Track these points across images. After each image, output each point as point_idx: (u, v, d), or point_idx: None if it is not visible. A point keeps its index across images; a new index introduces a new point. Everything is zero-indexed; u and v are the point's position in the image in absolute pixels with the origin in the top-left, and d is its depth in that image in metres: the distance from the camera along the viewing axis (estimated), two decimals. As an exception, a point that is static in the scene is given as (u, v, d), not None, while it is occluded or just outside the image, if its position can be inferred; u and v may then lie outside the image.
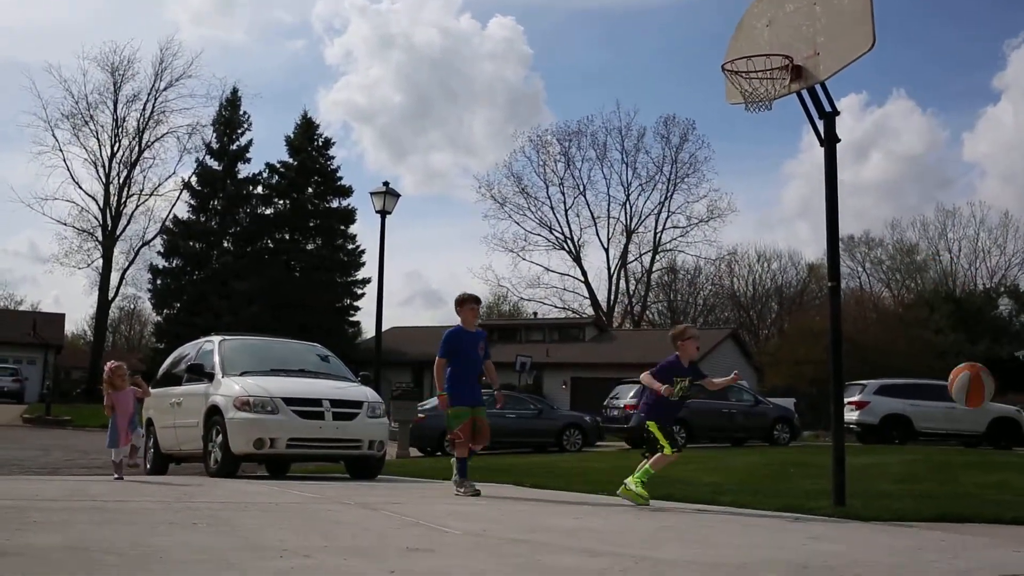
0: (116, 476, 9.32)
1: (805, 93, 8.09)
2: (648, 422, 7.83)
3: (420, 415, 21.46)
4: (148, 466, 12.64)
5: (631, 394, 24.62)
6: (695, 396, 24.62)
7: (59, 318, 55.75)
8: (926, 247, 63.45)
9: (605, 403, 25.79)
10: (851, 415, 23.45)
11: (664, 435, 7.70)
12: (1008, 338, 51.08)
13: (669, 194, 62.03)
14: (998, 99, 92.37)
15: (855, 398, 24.13)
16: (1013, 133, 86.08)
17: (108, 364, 10.01)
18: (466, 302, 9.09)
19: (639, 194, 63.56)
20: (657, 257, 64.09)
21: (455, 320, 9.19)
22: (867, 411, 24.29)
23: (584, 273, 63.46)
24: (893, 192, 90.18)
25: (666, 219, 62.61)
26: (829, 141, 8.05)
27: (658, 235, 63.00)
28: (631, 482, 7.63)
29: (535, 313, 61.91)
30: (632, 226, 63.18)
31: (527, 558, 4.50)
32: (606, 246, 63.73)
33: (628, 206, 63.25)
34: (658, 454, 7.64)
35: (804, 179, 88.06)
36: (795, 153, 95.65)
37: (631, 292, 65.07)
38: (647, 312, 66.60)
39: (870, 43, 7.50)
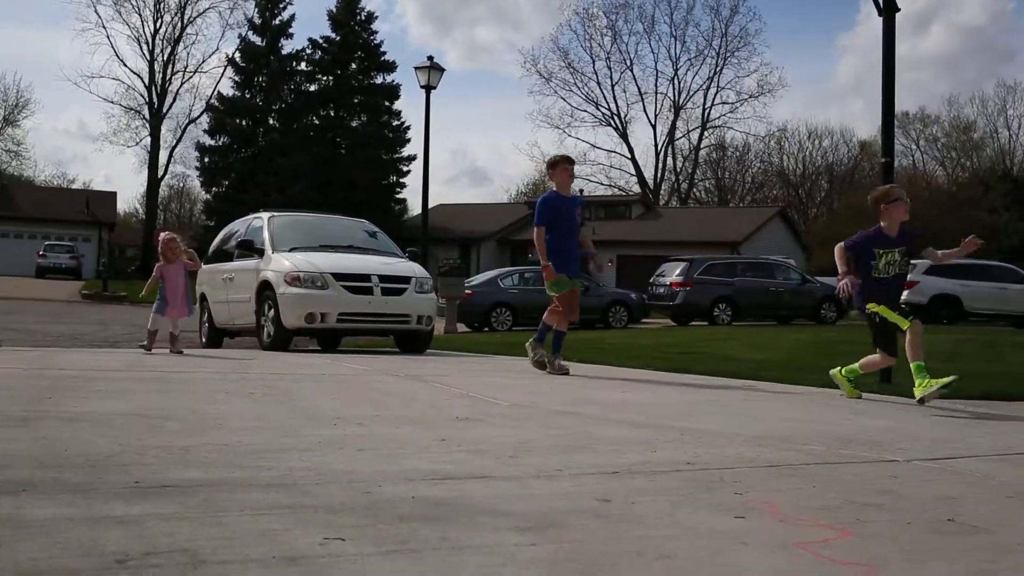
0: (170, 348, 9.12)
1: (865, -41, 7.80)
2: (869, 305, 6.64)
3: (467, 291, 21.71)
4: (204, 340, 12.99)
5: (676, 272, 24.64)
6: (745, 275, 24.81)
7: (111, 196, 56.54)
8: (984, 124, 61.84)
9: (651, 280, 25.85)
10: (900, 294, 23.24)
11: (895, 312, 6.54)
12: (1065, 218, 49.93)
13: (718, 69, 60.83)
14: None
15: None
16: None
17: (162, 234, 9.98)
18: (558, 163, 8.34)
19: (687, 69, 62.68)
20: (705, 134, 63.21)
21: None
22: (916, 291, 24.04)
23: (631, 150, 62.80)
24: (952, 66, 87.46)
25: (715, 95, 61.51)
26: (888, 10, 7.79)
27: (707, 111, 62.01)
28: (839, 374, 6.91)
29: (581, 191, 61.38)
30: (680, 102, 62.14)
31: (574, 429, 4.59)
32: (653, 122, 62.88)
33: (676, 81, 62.15)
34: (871, 357, 6.71)
35: (859, 53, 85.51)
36: (851, 25, 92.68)
37: (678, 169, 64.46)
38: (694, 190, 66.02)
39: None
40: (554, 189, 8.40)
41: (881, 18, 7.84)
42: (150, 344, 9.18)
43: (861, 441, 4.50)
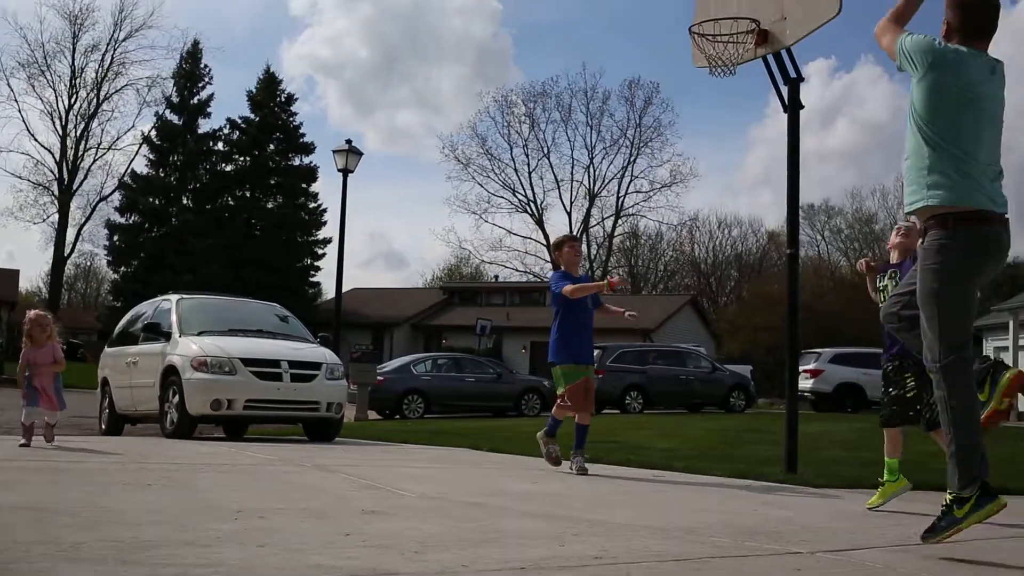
0: (44, 438, 8.09)
1: (771, 58, 8.11)
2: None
3: (379, 377, 21.48)
4: (103, 426, 12.57)
5: (590, 359, 24.76)
6: (657, 363, 25.06)
7: (13, 274, 54.69)
8: (884, 216, 64.37)
9: (564, 368, 25.91)
10: (806, 383, 23.82)
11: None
12: (961, 309, 51.95)
13: (632, 158, 62.33)
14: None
15: (810, 366, 24.50)
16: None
17: (29, 313, 8.47)
18: (564, 243, 7.91)
19: (603, 157, 63.82)
20: (619, 222, 64.43)
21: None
22: (821, 379, 24.69)
23: (546, 236, 63.51)
24: (856, 160, 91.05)
25: (629, 183, 62.93)
26: (793, 107, 8.09)
27: (621, 199, 63.32)
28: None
29: (496, 276, 62.09)
30: (595, 190, 63.38)
31: (482, 522, 4.53)
32: (569, 210, 63.91)
33: (592, 169, 63.44)
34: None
35: (768, 145, 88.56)
36: (760, 118, 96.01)
37: (593, 257, 65.34)
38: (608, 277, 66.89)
39: (836, 10, 7.53)
40: (563, 270, 7.89)
41: (786, 115, 8.14)
42: (28, 439, 8.02)
43: (766, 532, 4.53)
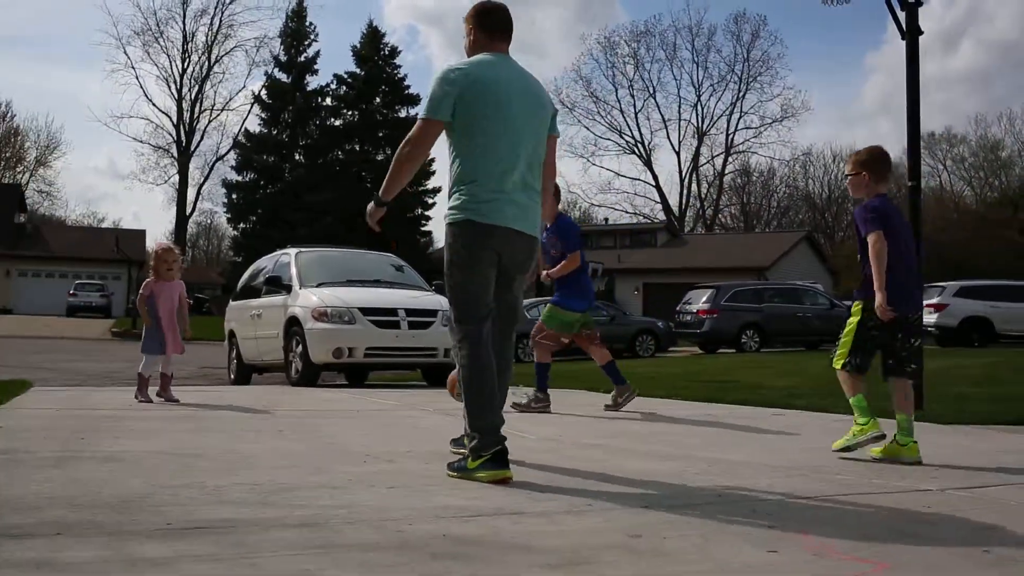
0: (141, 399, 7.53)
1: (886, -19, 7.78)
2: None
3: (493, 323, 21.71)
4: (232, 376, 13.07)
5: (703, 299, 24.57)
6: (773, 301, 24.62)
7: (140, 234, 57.19)
8: (1012, 143, 61.35)
9: (677, 308, 25.76)
10: (930, 318, 23.06)
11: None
12: (1096, 237, 49.43)
13: (741, 94, 61.02)
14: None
15: (934, 300, 23.70)
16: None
17: (157, 244, 8.11)
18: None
19: (710, 95, 62.63)
20: (730, 159, 63.28)
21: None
22: (946, 313, 23.86)
23: (655, 177, 62.78)
24: (982, 84, 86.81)
25: (739, 120, 61.66)
26: (911, 33, 7.76)
27: (730, 136, 62.14)
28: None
29: (606, 219, 61.71)
30: (704, 128, 62.28)
31: (602, 462, 4.58)
32: (677, 149, 63.21)
33: (699, 107, 62.35)
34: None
35: (887, 72, 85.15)
36: (878, 44, 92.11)
37: (703, 196, 64.42)
38: (719, 216, 65.88)
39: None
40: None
41: (904, 42, 7.82)
42: (144, 393, 7.61)
43: (893, 470, 4.46)
